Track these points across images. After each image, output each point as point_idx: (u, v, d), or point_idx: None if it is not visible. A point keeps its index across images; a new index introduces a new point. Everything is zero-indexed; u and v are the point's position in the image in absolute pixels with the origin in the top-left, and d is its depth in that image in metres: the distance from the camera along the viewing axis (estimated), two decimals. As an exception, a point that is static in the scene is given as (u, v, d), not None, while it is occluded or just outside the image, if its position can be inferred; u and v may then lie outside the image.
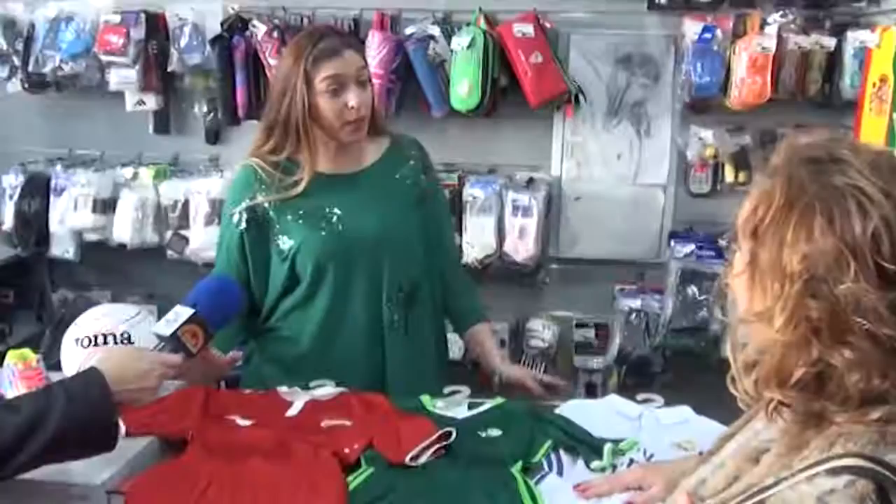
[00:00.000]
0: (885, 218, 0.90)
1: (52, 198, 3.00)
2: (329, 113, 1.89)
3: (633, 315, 2.77)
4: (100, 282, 3.22)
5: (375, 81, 2.61)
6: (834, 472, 0.87)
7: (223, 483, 1.50)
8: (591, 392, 3.04)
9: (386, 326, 2.00)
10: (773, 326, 0.93)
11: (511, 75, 2.81)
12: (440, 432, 1.66)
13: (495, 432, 1.71)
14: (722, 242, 0.96)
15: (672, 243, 2.86)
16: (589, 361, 3.02)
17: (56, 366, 1.83)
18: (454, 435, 1.66)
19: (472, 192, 2.82)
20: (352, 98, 1.89)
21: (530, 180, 2.94)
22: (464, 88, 2.69)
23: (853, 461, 0.87)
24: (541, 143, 3.04)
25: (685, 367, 2.80)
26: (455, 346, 2.92)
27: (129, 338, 1.74)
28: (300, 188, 1.92)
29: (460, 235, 2.84)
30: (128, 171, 3.02)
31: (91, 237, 3.02)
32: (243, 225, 1.96)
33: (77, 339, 1.74)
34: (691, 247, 2.72)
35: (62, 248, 3.05)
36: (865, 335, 0.87)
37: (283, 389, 1.88)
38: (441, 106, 2.81)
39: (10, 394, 1.70)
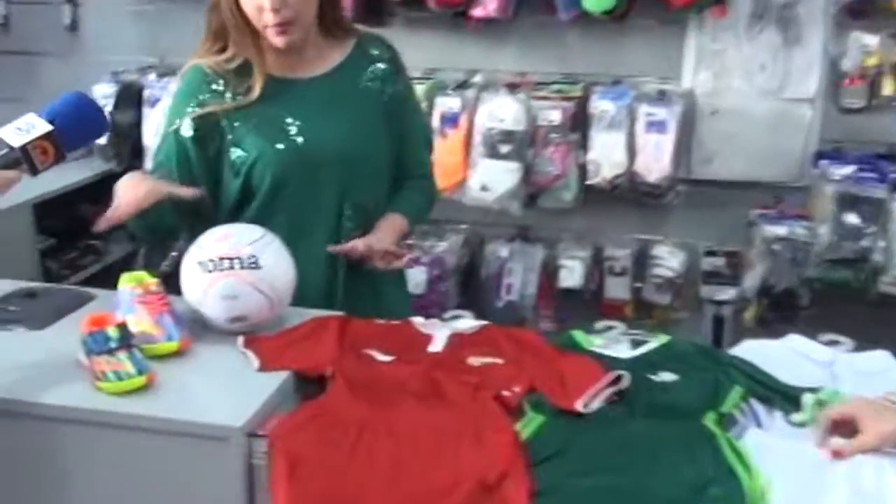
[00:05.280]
0: None
1: (145, 109, 2.83)
2: (249, 14, 1.67)
3: (777, 243, 2.50)
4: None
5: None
6: None
7: (377, 430, 1.32)
8: (719, 325, 2.81)
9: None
10: None
11: (646, -28, 2.51)
12: (611, 376, 1.45)
13: (669, 377, 1.50)
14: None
15: (822, 164, 2.57)
16: (718, 292, 2.78)
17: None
18: (626, 379, 1.45)
19: (601, 105, 2.56)
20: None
21: (661, 93, 2.66)
22: (600, -14, 2.40)
23: None
24: (671, 51, 2.74)
25: (833, 301, 2.54)
26: (575, 273, 2.75)
27: (255, 261, 1.56)
28: (254, 94, 1.72)
29: (585, 152, 2.59)
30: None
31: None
32: (190, 132, 1.75)
33: (200, 263, 1.56)
34: (849, 169, 2.43)
35: (156, 162, 2.89)
36: None
37: (418, 320, 1.69)
38: (570, 7, 2.52)
39: (131, 320, 1.54)
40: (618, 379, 1.45)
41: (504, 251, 2.75)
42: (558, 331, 2.84)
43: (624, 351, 1.60)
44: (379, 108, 1.80)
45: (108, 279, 3.07)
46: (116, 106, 2.76)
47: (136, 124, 2.80)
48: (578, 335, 1.65)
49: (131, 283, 1.60)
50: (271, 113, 1.75)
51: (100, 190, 2.84)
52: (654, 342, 1.62)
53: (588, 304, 2.88)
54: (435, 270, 2.72)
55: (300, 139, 1.75)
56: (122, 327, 1.44)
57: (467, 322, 1.69)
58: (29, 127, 1.39)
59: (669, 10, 2.53)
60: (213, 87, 1.75)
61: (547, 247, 2.80)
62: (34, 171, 1.40)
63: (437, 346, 1.60)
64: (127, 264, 2.99)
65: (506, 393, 1.43)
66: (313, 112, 1.76)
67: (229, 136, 1.76)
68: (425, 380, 1.46)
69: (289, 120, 1.75)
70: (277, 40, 1.70)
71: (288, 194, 1.76)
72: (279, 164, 1.74)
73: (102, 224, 1.64)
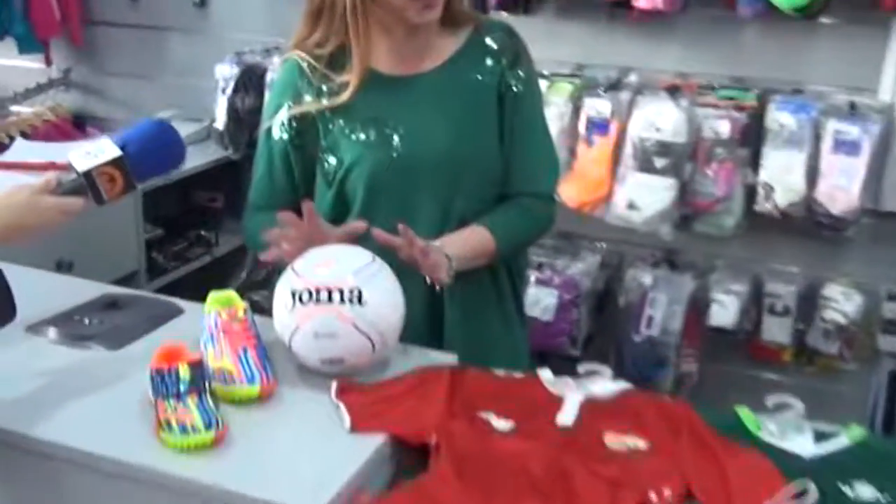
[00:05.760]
0: None
1: (266, 93, 2.63)
2: None
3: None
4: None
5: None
6: None
7: (487, 535, 1.05)
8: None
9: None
10: None
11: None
12: (793, 488, 1.12)
13: (868, 492, 1.17)
14: None
15: None
16: (901, 345, 2.35)
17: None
18: (813, 492, 1.12)
19: (779, 117, 2.17)
20: None
21: (854, 107, 2.24)
22: (794, -21, 2.02)
23: None
24: (868, 57, 2.31)
25: None
26: (729, 310, 2.39)
27: (359, 295, 1.30)
28: (348, 93, 1.49)
29: (755, 172, 2.21)
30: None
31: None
32: (285, 135, 1.54)
33: (294, 292, 1.32)
34: None
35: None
36: None
37: (546, 376, 1.40)
38: (754, 1, 2.14)
39: (210, 352, 1.32)
40: (803, 490, 1.12)
41: (647, 278, 2.41)
42: (701, 372, 2.50)
43: (806, 445, 1.27)
44: (493, 106, 1.53)
45: (218, 273, 2.95)
46: (236, 89, 2.58)
47: (256, 110, 2.61)
48: (746, 415, 1.33)
49: (217, 306, 1.38)
50: (370, 114, 1.51)
51: (213, 178, 2.71)
52: (845, 437, 1.29)
53: (739, 346, 2.51)
54: (567, 294, 2.41)
55: (401, 144, 1.51)
56: (196, 367, 1.22)
57: (605, 384, 1.39)
58: (99, 152, 1.29)
59: (878, 10, 2.11)
60: (308, 82, 1.53)
61: (697, 276, 2.44)
62: (99, 200, 1.30)
63: (567, 415, 1.31)
64: (239, 257, 2.84)
65: (653, 496, 1.13)
66: (418, 113, 1.52)
67: (323, 142, 1.54)
68: (552, 466, 1.17)
69: (389, 122, 1.51)
70: (422, 16, 1.45)
71: (383, 207, 1.51)
72: (375, 173, 1.51)
73: (267, 261, 1.45)
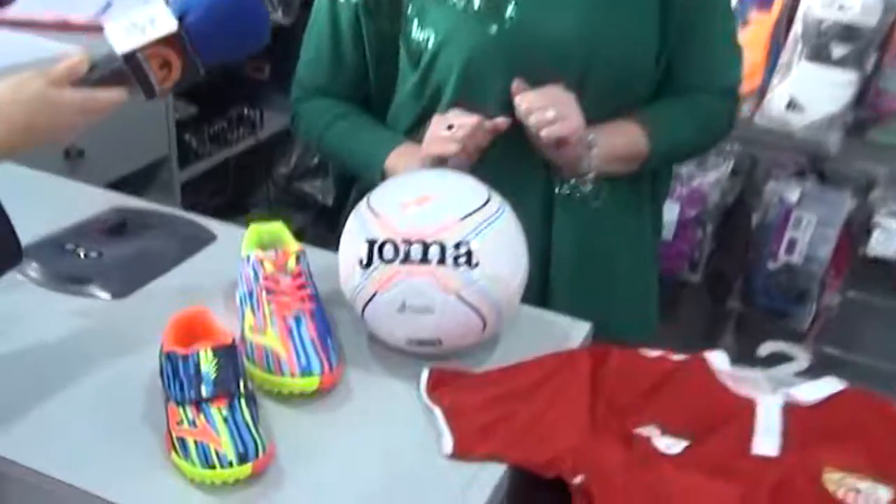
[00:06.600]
0: None
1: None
2: None
3: None
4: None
5: None
6: None
7: None
8: None
9: (559, 187, 1.14)
10: None
11: None
12: None
13: None
14: None
15: None
16: None
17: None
18: None
19: None
20: None
21: None
22: None
23: None
24: None
25: None
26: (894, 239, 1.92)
27: (467, 253, 0.87)
28: None
29: (961, 68, 1.69)
30: None
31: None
32: None
33: (372, 244, 0.89)
34: None
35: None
36: None
37: (720, 365, 0.97)
38: None
39: (249, 320, 0.93)
40: None
41: (793, 193, 1.93)
42: (842, 303, 2.06)
43: None
44: None
45: (262, 158, 2.52)
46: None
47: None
48: None
49: (257, 250, 0.96)
50: None
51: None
52: None
53: (890, 275, 2.05)
54: (690, 209, 1.95)
55: (515, 16, 1.06)
56: (227, 354, 0.81)
57: (809, 385, 0.96)
58: (148, 24, 0.95)
59: None
60: None
61: (857, 194, 1.95)
62: (149, 93, 0.95)
63: (767, 439, 0.89)
64: (286, 140, 2.42)
65: None
66: None
67: (409, 8, 1.11)
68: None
69: None
70: None
71: (483, 102, 1.07)
72: (474, 54, 1.08)
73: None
